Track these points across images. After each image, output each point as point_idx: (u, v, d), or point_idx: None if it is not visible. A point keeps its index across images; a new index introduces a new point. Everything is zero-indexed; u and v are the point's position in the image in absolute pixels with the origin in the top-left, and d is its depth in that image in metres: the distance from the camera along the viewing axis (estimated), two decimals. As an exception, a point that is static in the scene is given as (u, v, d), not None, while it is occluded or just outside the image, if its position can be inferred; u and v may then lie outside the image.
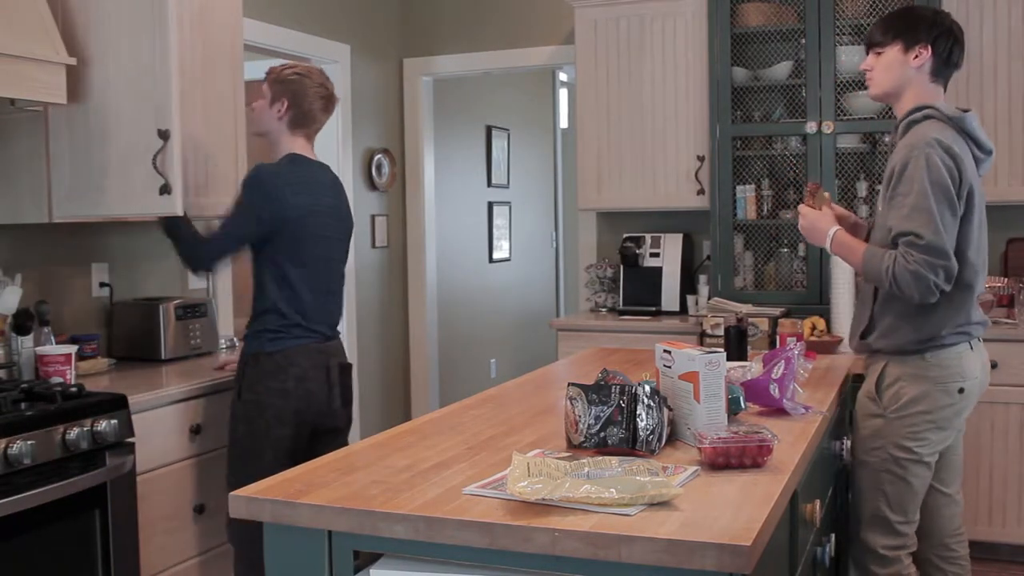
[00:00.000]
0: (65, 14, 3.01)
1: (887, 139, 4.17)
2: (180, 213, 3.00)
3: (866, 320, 2.65)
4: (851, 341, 2.77)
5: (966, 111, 2.57)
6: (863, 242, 2.61)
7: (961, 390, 2.57)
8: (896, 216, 2.47)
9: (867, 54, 2.68)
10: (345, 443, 3.09)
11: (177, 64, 3.33)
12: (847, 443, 2.75)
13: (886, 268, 2.45)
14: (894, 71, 2.61)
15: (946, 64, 2.61)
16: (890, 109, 4.07)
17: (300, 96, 3.04)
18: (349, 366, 3.17)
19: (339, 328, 3.16)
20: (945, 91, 2.66)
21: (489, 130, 6.83)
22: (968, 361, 2.58)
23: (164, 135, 2.96)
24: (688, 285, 4.67)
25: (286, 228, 2.92)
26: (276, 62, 4.78)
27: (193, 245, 3.01)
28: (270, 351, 2.93)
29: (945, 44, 2.59)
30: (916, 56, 2.58)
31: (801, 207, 2.75)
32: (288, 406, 2.92)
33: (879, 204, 2.66)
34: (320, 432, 3.05)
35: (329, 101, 3.14)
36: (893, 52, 2.60)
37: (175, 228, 3.01)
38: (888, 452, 2.59)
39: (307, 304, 2.98)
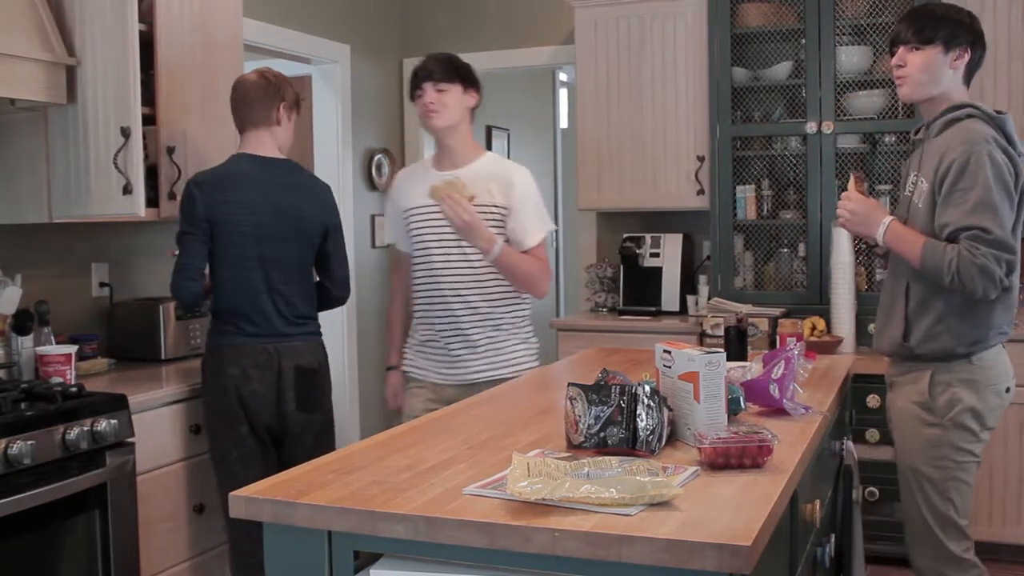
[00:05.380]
0: (58, 14, 3.02)
1: (887, 139, 4.17)
2: (142, 214, 3.02)
3: (901, 322, 2.61)
4: (880, 343, 2.72)
5: (1003, 113, 2.57)
6: (919, 233, 2.56)
7: (1008, 389, 2.58)
8: (957, 212, 2.45)
9: (894, 47, 2.63)
10: (309, 451, 2.94)
11: (176, 64, 3.34)
12: (847, 443, 2.75)
13: (949, 261, 2.42)
14: (933, 72, 2.57)
15: (976, 66, 2.63)
16: (890, 109, 4.11)
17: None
18: (310, 369, 3.05)
19: (308, 328, 3.08)
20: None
21: (489, 130, 6.83)
22: (1005, 360, 2.60)
23: (125, 132, 2.97)
24: (688, 285, 4.67)
25: (212, 229, 2.94)
26: (276, 62, 4.81)
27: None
28: (210, 348, 3.02)
29: (979, 48, 2.60)
30: (957, 58, 2.57)
31: (850, 193, 2.68)
32: (232, 402, 2.91)
33: (917, 200, 2.61)
34: (282, 439, 3.02)
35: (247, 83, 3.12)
36: (933, 52, 2.56)
37: None
38: (952, 460, 2.56)
39: (243, 304, 2.96)
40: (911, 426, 2.63)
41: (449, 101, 3.02)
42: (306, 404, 3.04)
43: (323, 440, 3.09)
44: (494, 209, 2.98)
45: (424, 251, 3.04)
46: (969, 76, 2.62)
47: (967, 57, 2.58)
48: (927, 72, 2.58)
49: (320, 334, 3.16)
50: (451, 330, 3.03)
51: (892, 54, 2.65)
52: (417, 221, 3.05)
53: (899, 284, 2.63)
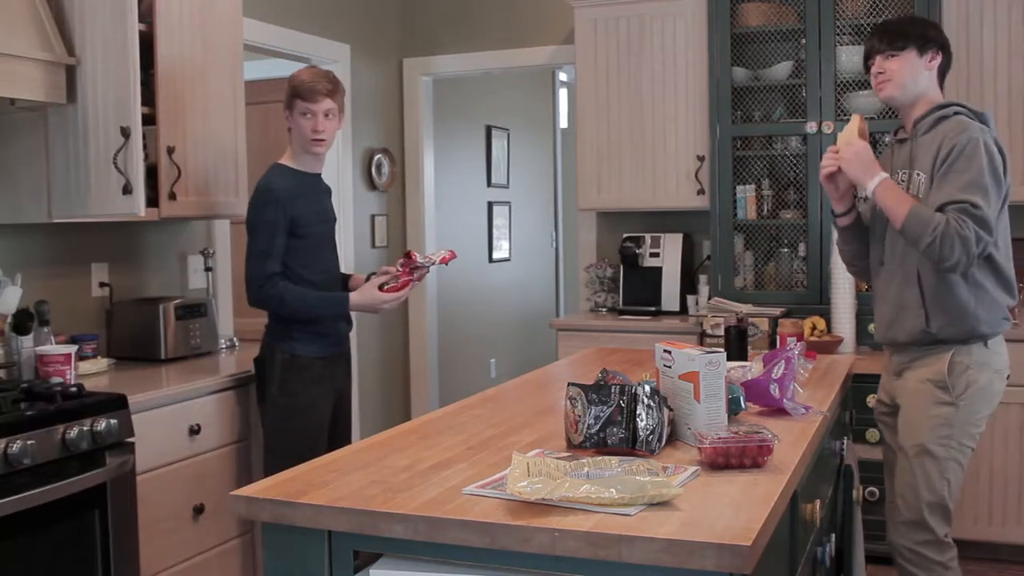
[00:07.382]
0: (58, 14, 3.01)
1: (887, 139, 4.17)
2: (142, 214, 3.03)
3: (919, 309, 2.64)
4: (894, 333, 2.73)
5: (984, 112, 2.71)
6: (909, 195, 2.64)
7: (1008, 376, 2.70)
8: (950, 188, 2.53)
9: (870, 60, 2.76)
10: (265, 441, 3.11)
11: (176, 63, 3.34)
12: (847, 443, 2.74)
13: (935, 225, 2.48)
14: (912, 72, 2.70)
15: (946, 70, 2.77)
16: (890, 108, 4.10)
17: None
18: (257, 360, 3.15)
19: (265, 321, 3.14)
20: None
21: (489, 130, 6.83)
22: (1005, 348, 2.70)
23: (125, 132, 2.97)
24: (688, 285, 4.67)
25: None
26: (276, 62, 4.81)
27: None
28: None
29: (947, 53, 2.75)
30: (931, 59, 2.71)
31: (853, 139, 2.70)
32: None
33: (915, 192, 2.67)
34: None
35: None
36: (909, 56, 2.70)
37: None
38: (958, 440, 2.63)
39: None
40: (923, 403, 2.67)
41: None
42: (259, 394, 3.15)
43: (271, 434, 3.08)
44: None
45: None
46: (942, 79, 2.76)
47: (939, 59, 2.73)
48: (907, 73, 2.70)
49: (269, 329, 3.12)
50: None
51: (867, 68, 2.78)
52: None
53: (907, 272, 2.67)
